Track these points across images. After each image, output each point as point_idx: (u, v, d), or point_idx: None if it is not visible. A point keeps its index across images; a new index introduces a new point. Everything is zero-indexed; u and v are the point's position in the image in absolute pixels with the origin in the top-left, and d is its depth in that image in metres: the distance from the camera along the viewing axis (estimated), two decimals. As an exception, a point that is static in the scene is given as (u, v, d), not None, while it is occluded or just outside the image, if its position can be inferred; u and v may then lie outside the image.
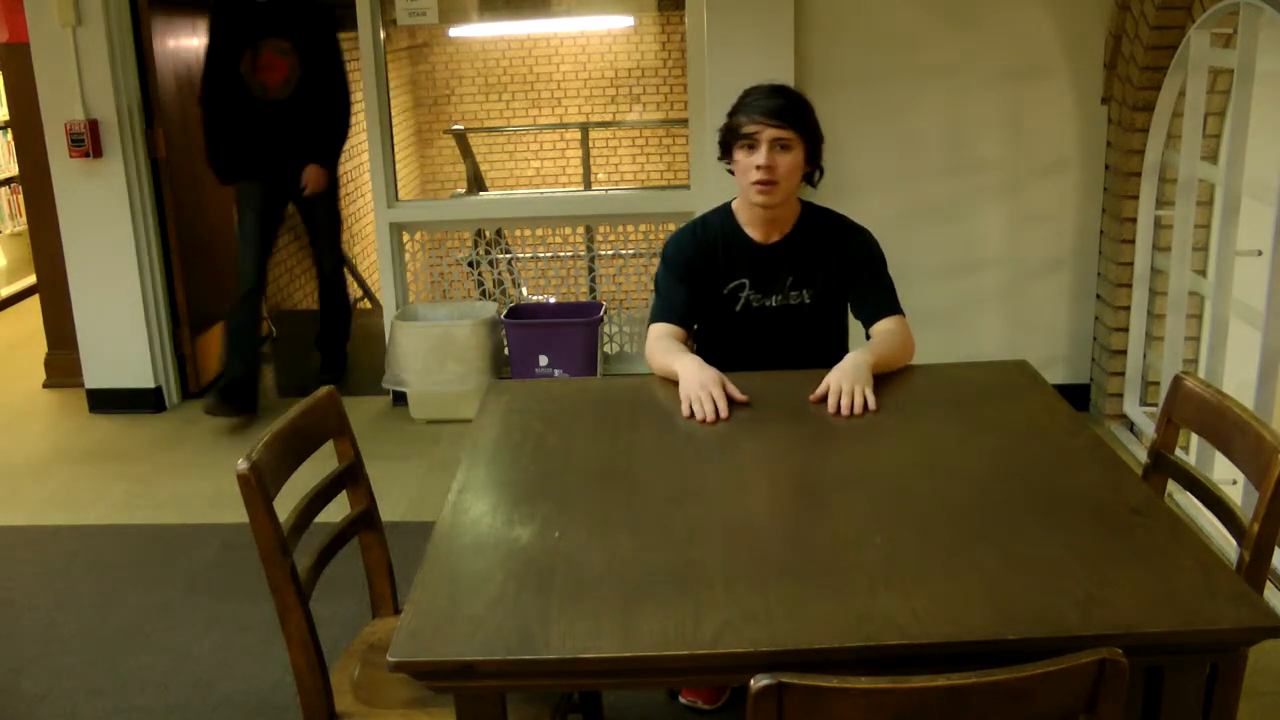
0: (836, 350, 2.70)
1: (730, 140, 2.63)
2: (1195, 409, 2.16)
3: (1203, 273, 4.02)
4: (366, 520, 2.30)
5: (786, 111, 2.59)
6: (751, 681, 1.33)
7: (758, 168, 2.57)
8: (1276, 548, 1.90)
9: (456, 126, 9.39)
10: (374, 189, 4.89)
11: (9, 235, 7.46)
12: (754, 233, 2.74)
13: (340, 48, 4.92)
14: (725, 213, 2.79)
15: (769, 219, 2.71)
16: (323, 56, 4.85)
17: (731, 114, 2.66)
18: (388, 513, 2.43)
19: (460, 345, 4.70)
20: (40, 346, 5.53)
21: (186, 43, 5.17)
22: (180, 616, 3.35)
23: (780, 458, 2.34)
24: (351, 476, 2.28)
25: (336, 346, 5.49)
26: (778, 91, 2.64)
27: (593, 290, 5.28)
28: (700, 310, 2.79)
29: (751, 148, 2.59)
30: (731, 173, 2.71)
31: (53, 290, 5.21)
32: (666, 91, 10.15)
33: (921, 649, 1.56)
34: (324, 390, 2.26)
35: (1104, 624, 1.59)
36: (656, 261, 2.96)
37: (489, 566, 1.83)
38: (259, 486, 1.89)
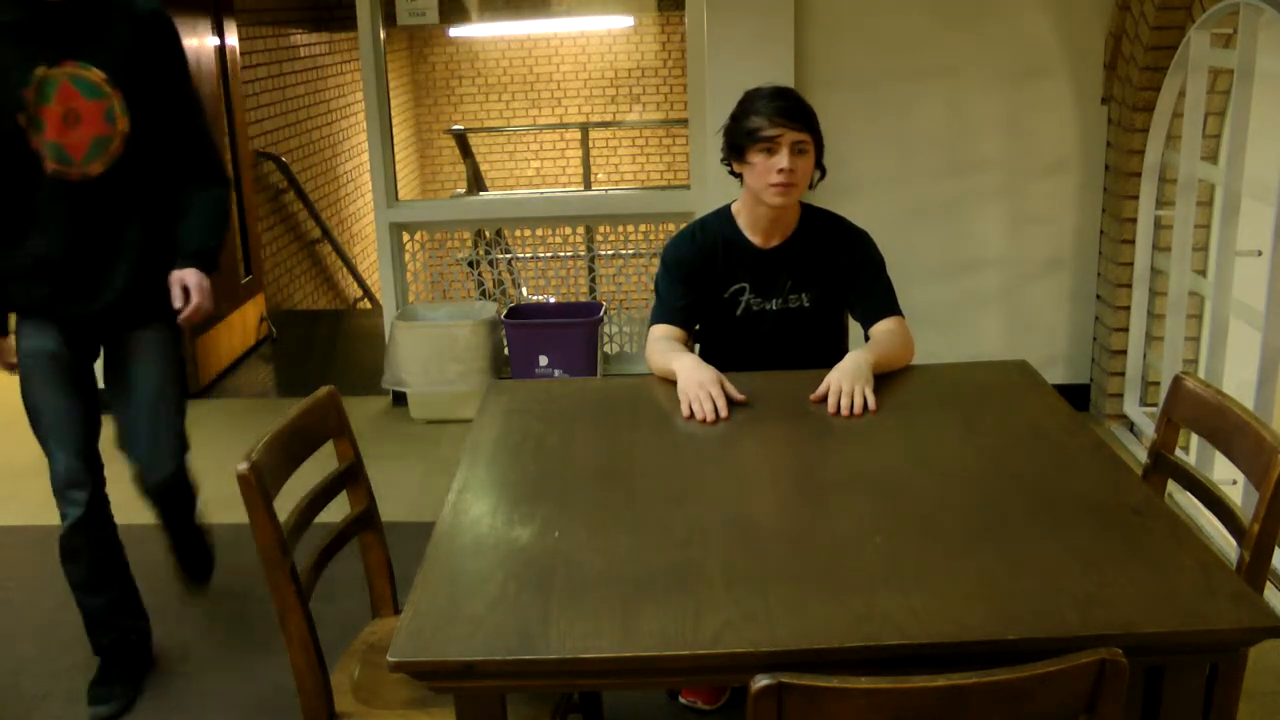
0: (836, 352, 2.70)
1: (746, 143, 2.61)
2: (1195, 409, 2.16)
3: (1203, 273, 4.02)
4: (366, 520, 2.30)
5: (804, 115, 2.60)
6: (751, 681, 1.33)
7: (780, 170, 2.57)
8: (1276, 548, 1.90)
9: (456, 127, 9.39)
10: (374, 189, 4.89)
11: (9, 235, 7.43)
12: (754, 237, 2.74)
13: (190, 74, 2.83)
14: (724, 216, 2.78)
15: (771, 222, 2.71)
16: (165, 92, 2.71)
17: (740, 117, 2.64)
18: (388, 513, 2.43)
19: (460, 345, 4.70)
20: (40, 346, 5.52)
21: (188, 42, 5.15)
22: (180, 616, 3.35)
23: (780, 458, 2.34)
24: (351, 477, 2.28)
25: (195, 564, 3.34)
26: (786, 94, 2.64)
27: (593, 290, 5.28)
28: (701, 314, 2.79)
29: (771, 151, 2.58)
30: (735, 174, 2.71)
31: (53, 290, 5.19)
32: (666, 91, 10.15)
33: (921, 649, 1.56)
34: (324, 390, 2.26)
35: (1104, 624, 1.59)
36: (656, 262, 2.95)
37: (489, 566, 1.83)
38: (259, 486, 1.90)
